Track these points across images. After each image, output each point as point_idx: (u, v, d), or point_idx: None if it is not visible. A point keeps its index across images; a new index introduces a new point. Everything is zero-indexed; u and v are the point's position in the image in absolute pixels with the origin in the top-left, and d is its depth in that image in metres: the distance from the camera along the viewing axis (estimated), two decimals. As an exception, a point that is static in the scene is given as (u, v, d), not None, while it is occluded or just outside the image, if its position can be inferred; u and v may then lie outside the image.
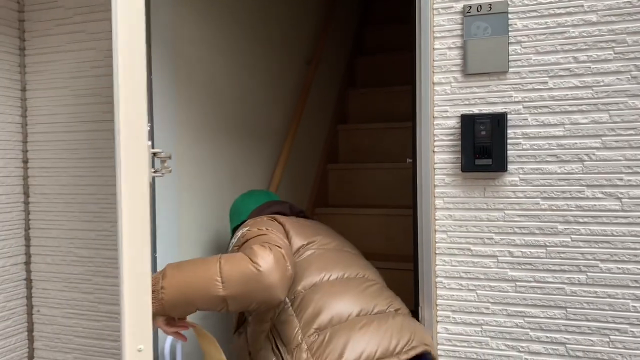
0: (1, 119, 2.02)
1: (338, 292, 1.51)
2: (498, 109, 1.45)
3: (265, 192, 2.04)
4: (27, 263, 2.12)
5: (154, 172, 1.16)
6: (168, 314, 1.42)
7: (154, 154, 1.16)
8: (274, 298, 1.38)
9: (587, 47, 1.38)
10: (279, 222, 1.67)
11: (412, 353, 1.41)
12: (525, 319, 1.45)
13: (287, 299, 1.52)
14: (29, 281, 2.12)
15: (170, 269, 1.43)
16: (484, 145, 1.45)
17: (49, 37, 2.05)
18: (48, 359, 2.11)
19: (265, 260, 1.37)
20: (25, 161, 2.11)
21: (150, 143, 1.12)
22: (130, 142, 1.04)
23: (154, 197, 1.87)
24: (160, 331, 1.93)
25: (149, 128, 1.46)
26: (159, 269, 1.90)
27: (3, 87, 2.03)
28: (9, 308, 2.06)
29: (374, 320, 1.45)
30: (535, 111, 1.42)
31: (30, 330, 2.13)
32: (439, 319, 1.52)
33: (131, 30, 1.04)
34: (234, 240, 1.66)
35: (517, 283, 1.45)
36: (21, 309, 2.11)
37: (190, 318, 1.51)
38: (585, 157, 1.39)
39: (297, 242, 1.64)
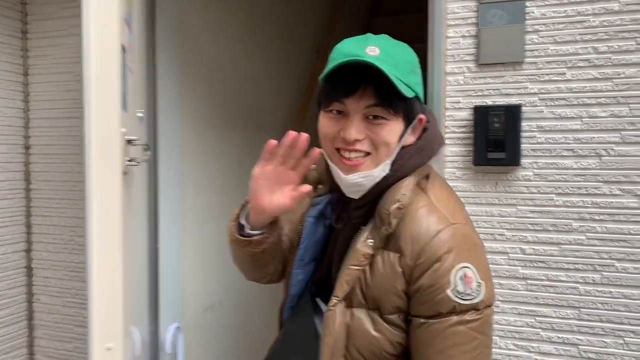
0: (3, 104, 1.99)
1: None
2: (513, 100, 1.40)
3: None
4: (28, 251, 2.09)
5: (129, 160, 1.09)
6: None
7: (129, 141, 1.08)
8: None
9: (608, 37, 1.32)
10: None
11: None
12: (537, 318, 1.40)
13: None
14: (29, 269, 2.10)
15: None
16: (497, 138, 1.39)
17: (51, 20, 2.01)
18: (48, 348, 2.09)
19: None
20: (27, 147, 2.08)
21: (124, 130, 1.05)
22: (102, 128, 0.97)
23: (156, 187, 1.83)
24: (161, 321, 1.90)
25: (141, 115, 1.41)
26: (161, 261, 1.87)
27: (5, 71, 1.99)
28: (10, 296, 2.03)
29: None
30: (552, 103, 1.37)
31: (30, 318, 2.11)
32: (446, 316, 1.47)
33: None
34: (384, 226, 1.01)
35: (529, 281, 1.40)
36: (21, 297, 2.08)
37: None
38: (603, 152, 1.33)
39: None
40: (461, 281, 0.97)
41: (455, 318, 0.97)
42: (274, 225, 1.13)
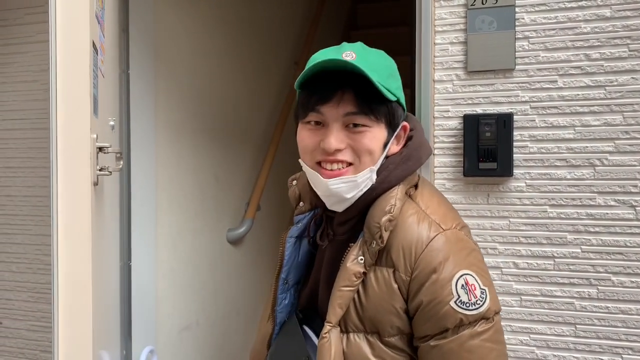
0: (-37, 114, 1.87)
1: None
2: (504, 109, 1.35)
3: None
4: (-10, 271, 1.96)
5: (100, 170, 1.00)
6: None
7: (100, 149, 0.99)
8: None
9: (599, 43, 1.28)
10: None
11: None
12: (531, 335, 1.34)
13: None
14: (-10, 290, 1.97)
15: None
16: (488, 148, 1.34)
17: (16, 26, 1.91)
18: (10, 375, 1.96)
19: None
20: (-10, 160, 1.96)
21: (95, 136, 0.95)
22: (70, 132, 0.87)
23: (129, 200, 1.73)
24: (134, 344, 1.79)
25: (112, 123, 1.31)
26: (134, 278, 1.77)
27: (-34, 79, 1.88)
28: (-32, 320, 1.90)
29: None
30: (544, 112, 1.32)
31: (-9, 343, 1.97)
32: (437, 335, 1.40)
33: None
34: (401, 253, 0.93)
35: (523, 297, 1.34)
36: (-19, 321, 1.95)
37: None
38: (597, 162, 1.29)
39: None
40: (463, 290, 0.90)
41: (466, 333, 0.90)
42: None
